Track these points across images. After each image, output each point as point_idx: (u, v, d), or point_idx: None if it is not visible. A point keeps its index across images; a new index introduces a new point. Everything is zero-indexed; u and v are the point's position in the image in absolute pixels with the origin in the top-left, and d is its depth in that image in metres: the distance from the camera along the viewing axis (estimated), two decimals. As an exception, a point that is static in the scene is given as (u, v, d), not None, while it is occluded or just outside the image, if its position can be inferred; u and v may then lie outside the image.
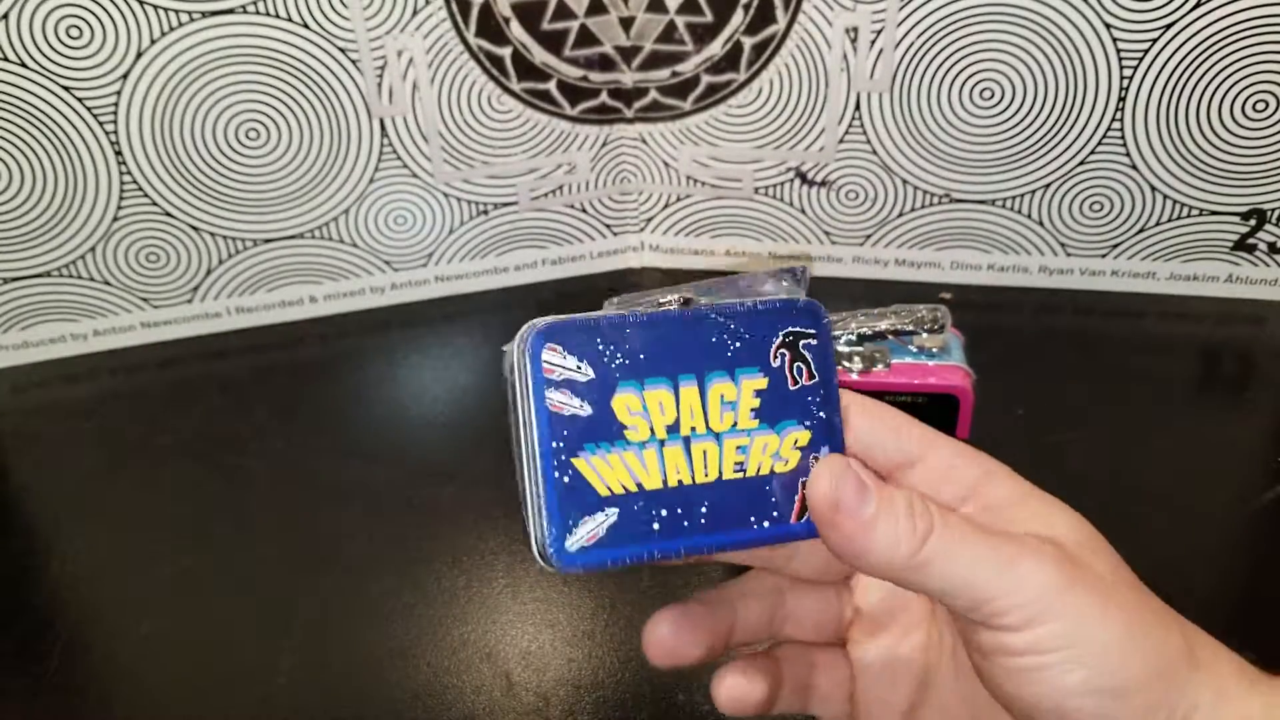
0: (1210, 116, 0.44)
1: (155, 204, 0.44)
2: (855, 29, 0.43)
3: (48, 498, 0.41)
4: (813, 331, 0.27)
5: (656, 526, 0.26)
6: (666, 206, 0.50)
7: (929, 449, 0.27)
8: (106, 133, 0.41)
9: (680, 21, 0.42)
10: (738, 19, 0.42)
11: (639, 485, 0.26)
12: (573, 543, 0.25)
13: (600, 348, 0.26)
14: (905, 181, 0.47)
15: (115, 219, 0.44)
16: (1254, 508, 0.38)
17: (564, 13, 0.41)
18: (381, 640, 0.34)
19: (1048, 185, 0.47)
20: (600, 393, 0.26)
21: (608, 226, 0.50)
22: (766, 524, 0.26)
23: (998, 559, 0.24)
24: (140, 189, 0.43)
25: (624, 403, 0.26)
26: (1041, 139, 0.45)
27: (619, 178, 0.48)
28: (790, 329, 0.27)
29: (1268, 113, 0.44)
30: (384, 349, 0.48)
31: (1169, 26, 0.42)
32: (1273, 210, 0.46)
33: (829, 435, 0.27)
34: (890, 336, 0.37)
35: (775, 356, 0.27)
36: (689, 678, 0.34)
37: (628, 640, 0.35)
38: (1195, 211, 0.47)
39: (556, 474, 0.25)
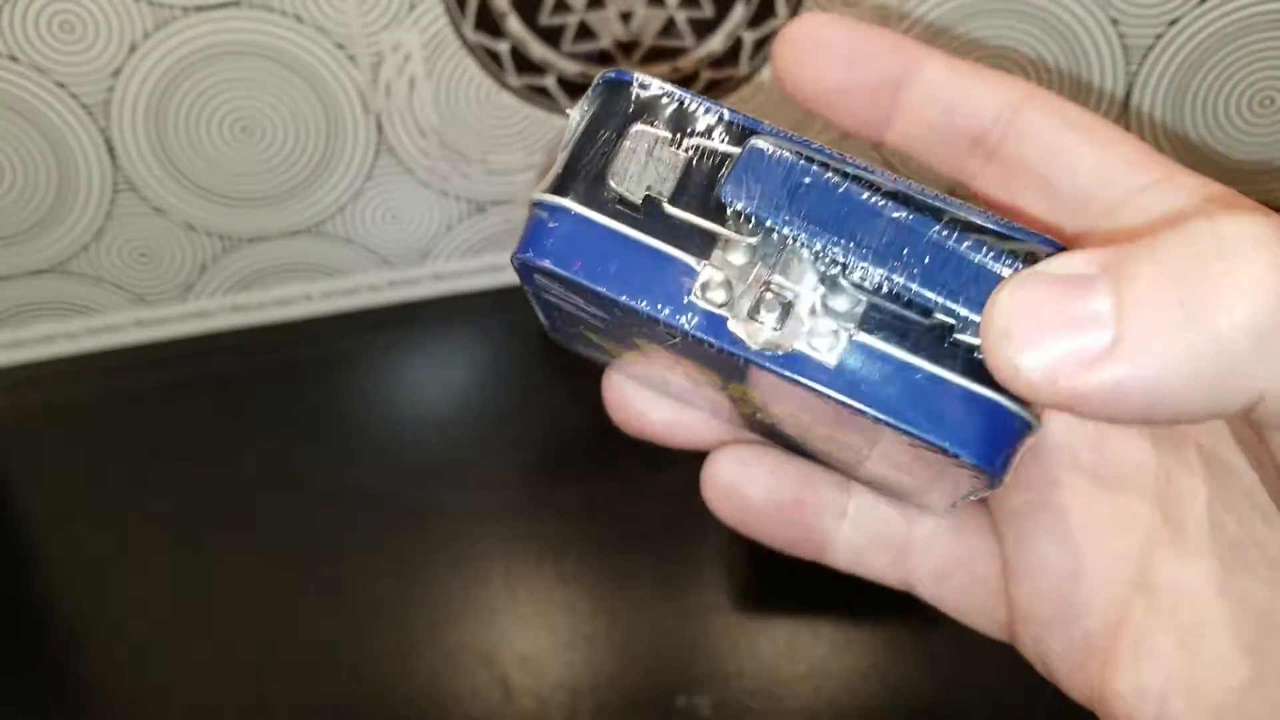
0: (1216, 113, 0.44)
1: (148, 201, 0.43)
2: (858, 24, 0.42)
3: (40, 498, 0.41)
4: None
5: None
6: (666, 204, 0.49)
7: None
8: (100, 129, 0.41)
9: (680, 16, 0.42)
10: (739, 14, 0.42)
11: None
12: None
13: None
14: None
15: (108, 216, 0.43)
16: None
17: (562, 7, 0.41)
18: (377, 643, 0.34)
19: (1052, 182, 0.46)
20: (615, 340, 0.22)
21: (607, 224, 0.50)
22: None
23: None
24: (133, 186, 0.43)
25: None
26: (1046, 135, 0.45)
27: (618, 174, 0.48)
28: None
29: (1274, 109, 0.44)
30: (380, 347, 0.47)
31: (1174, 22, 0.42)
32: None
33: None
34: None
35: None
36: (690, 682, 0.34)
37: (627, 644, 0.35)
38: (1201, 209, 0.46)
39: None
